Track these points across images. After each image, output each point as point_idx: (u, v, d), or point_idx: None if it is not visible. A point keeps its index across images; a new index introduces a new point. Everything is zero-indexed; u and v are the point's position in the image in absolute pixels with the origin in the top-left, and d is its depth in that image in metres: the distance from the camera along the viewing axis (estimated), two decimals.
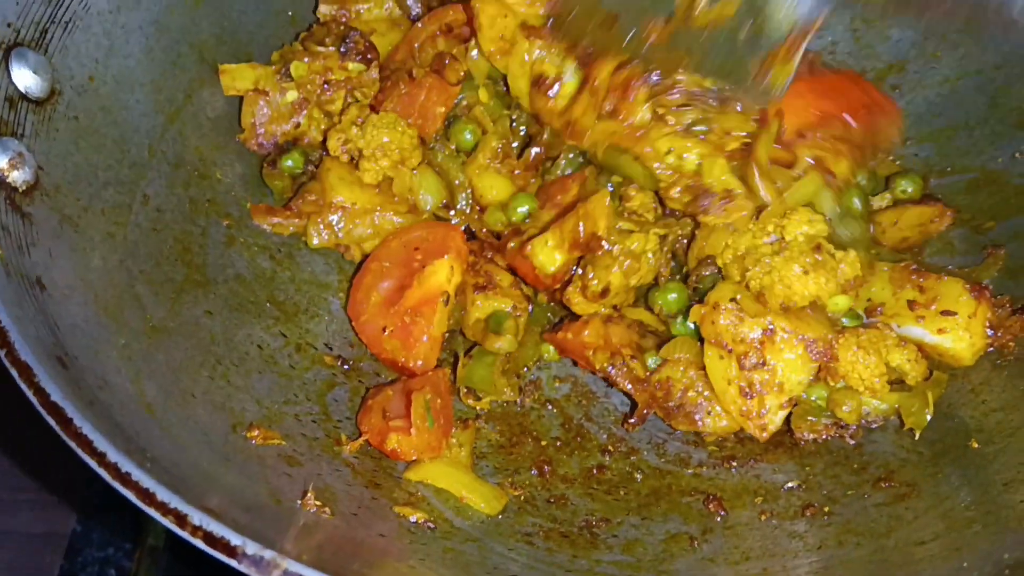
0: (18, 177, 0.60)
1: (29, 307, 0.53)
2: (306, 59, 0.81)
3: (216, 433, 0.59)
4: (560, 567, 0.58)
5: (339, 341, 0.74)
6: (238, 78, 0.81)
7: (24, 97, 0.63)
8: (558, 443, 0.70)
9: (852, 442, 0.66)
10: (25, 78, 0.64)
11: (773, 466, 0.67)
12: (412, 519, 0.60)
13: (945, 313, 0.65)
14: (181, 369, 0.62)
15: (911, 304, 0.66)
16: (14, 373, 0.47)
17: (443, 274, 0.73)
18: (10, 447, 0.95)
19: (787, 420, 0.65)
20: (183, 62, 0.78)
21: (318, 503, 0.56)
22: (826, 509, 0.62)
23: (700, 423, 0.65)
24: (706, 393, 0.65)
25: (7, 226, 0.57)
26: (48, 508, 0.92)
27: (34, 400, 0.46)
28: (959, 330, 0.65)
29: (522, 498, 0.65)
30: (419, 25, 0.85)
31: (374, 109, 0.80)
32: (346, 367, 0.73)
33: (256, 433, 0.61)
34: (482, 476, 0.66)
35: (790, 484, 0.65)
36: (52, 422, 0.46)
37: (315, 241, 0.76)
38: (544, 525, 0.63)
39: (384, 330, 0.72)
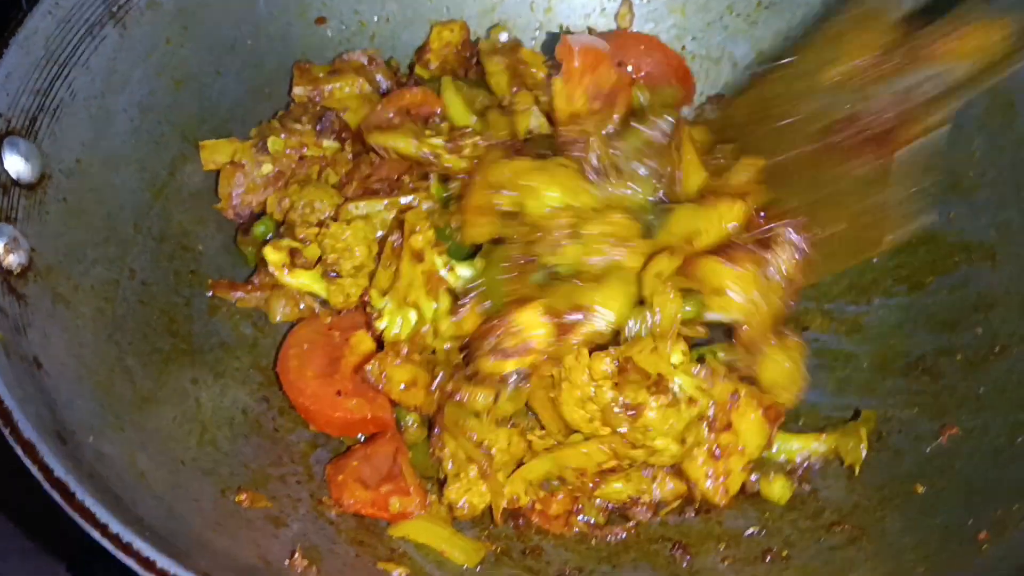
0: (13, 261, 0.63)
1: (29, 386, 0.56)
2: (283, 135, 0.84)
3: (206, 498, 0.61)
4: None
5: None
6: (217, 152, 0.84)
7: (15, 183, 0.66)
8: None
9: (807, 488, 0.70)
10: (16, 164, 0.67)
11: (734, 512, 0.70)
12: (395, 574, 0.62)
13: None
14: (170, 438, 0.65)
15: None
16: (19, 451, 0.50)
17: (367, 342, 0.75)
18: None
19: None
20: (166, 141, 0.81)
21: (305, 562, 0.59)
22: (784, 553, 0.65)
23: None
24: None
25: (4, 308, 0.59)
26: (37, 557, 0.91)
27: (39, 476, 0.49)
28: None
29: (498, 550, 0.68)
30: (378, 107, 0.88)
31: (344, 186, 0.84)
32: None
33: (244, 496, 0.64)
34: (460, 529, 0.69)
35: (751, 530, 0.69)
36: (56, 496, 0.48)
37: (277, 317, 0.78)
38: None
39: (339, 394, 0.73)
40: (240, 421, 0.71)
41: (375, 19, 0.95)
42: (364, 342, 0.75)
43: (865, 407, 0.74)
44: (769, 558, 0.66)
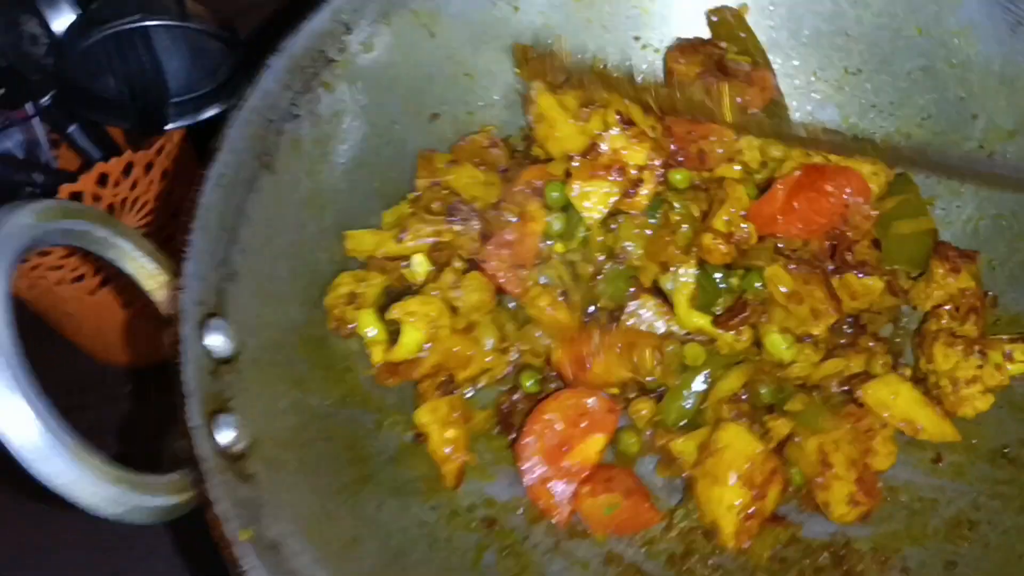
0: (238, 445, 0.72)
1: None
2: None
3: None
4: None
5: (476, 499, 0.88)
6: (362, 242, 0.91)
7: (220, 362, 0.75)
8: None
9: None
10: (217, 343, 0.75)
11: None
12: None
13: None
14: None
15: None
16: None
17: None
18: None
19: None
20: (320, 268, 0.89)
21: None
22: None
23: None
24: None
25: (243, 500, 0.69)
26: None
27: None
28: None
29: None
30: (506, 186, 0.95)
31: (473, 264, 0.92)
32: (490, 527, 0.86)
33: None
34: None
35: None
36: None
37: None
38: None
39: None
40: (420, 537, 0.82)
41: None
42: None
43: (956, 492, 0.84)
44: None
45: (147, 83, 1.01)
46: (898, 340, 0.92)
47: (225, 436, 0.71)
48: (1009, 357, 0.84)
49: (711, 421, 0.87)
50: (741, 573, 0.83)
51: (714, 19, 0.98)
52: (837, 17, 0.96)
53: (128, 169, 1.01)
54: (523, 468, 0.87)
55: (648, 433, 0.90)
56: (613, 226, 0.90)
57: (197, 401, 0.69)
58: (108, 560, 1.02)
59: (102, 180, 1.00)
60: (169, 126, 1.02)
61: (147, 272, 0.74)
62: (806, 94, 1.01)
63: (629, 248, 0.89)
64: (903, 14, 0.93)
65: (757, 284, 0.86)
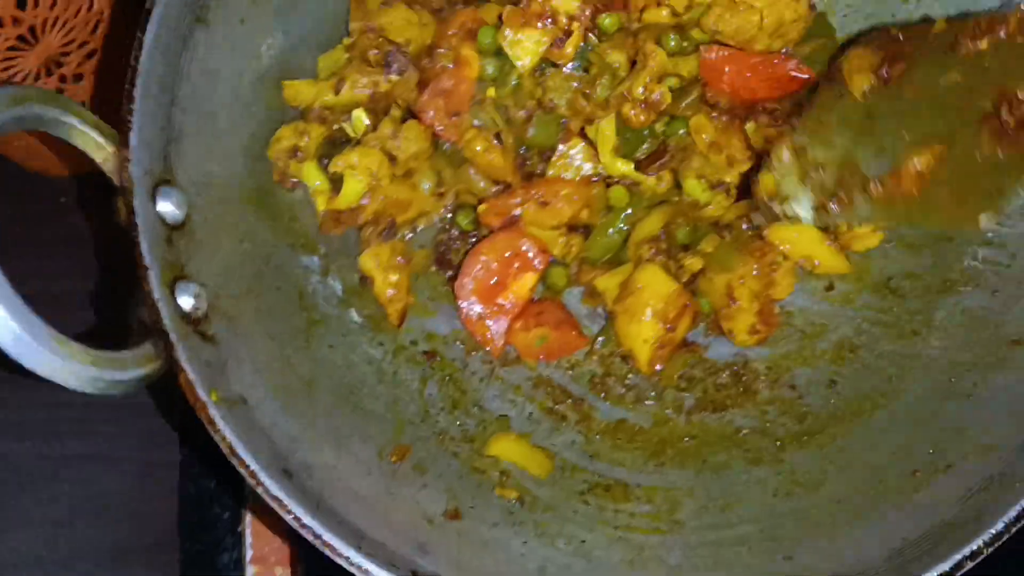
0: (196, 308, 0.77)
1: (251, 431, 0.74)
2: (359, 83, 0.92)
3: (375, 469, 0.83)
4: (609, 524, 0.87)
5: (417, 335, 0.96)
6: (300, 92, 0.93)
7: (173, 228, 0.79)
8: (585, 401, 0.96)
9: (794, 393, 0.94)
10: (168, 210, 0.79)
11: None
12: (511, 500, 0.87)
13: None
14: (334, 416, 0.85)
15: None
16: (275, 507, 0.70)
17: None
18: None
19: None
20: (258, 115, 0.91)
21: (450, 510, 0.83)
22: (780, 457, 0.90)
23: None
24: None
25: (209, 361, 0.76)
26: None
27: (294, 524, 0.70)
28: None
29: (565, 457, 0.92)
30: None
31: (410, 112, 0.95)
32: (432, 359, 0.95)
33: (393, 453, 0.86)
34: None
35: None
36: (309, 537, 0.70)
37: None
38: (590, 480, 0.91)
39: None
40: (370, 374, 0.91)
41: None
42: None
43: (843, 319, 0.95)
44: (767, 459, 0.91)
45: None
46: None
47: (186, 302, 0.76)
48: None
49: (632, 258, 0.95)
50: (653, 391, 0.95)
51: None
52: None
53: None
54: (461, 305, 0.94)
55: (574, 267, 0.98)
56: (542, 76, 0.93)
57: (156, 273, 0.73)
58: None
59: (21, 4, 0.97)
60: None
61: (95, 144, 0.76)
62: None
63: (555, 100, 0.92)
64: None
65: (681, 131, 0.92)
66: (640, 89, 0.89)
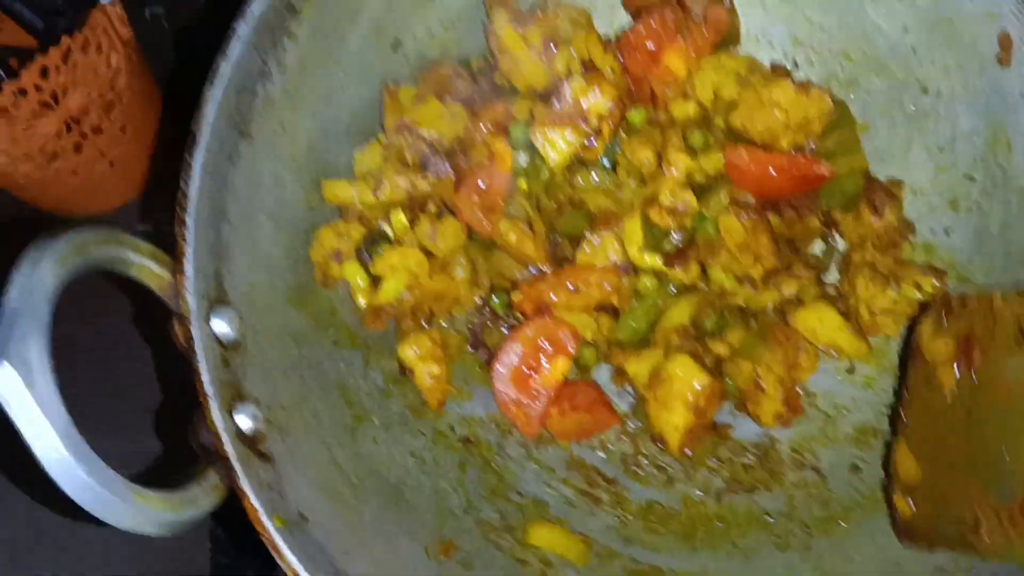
0: (253, 427, 0.79)
1: (311, 548, 0.77)
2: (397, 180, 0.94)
3: (424, 570, 0.86)
4: None
5: (454, 420, 0.99)
6: (339, 191, 0.94)
7: (229, 348, 0.80)
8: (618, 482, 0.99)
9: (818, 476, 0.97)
10: (223, 330, 0.80)
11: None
12: None
13: None
14: (383, 516, 0.87)
15: None
16: None
17: None
18: None
19: None
20: (300, 210, 0.92)
21: None
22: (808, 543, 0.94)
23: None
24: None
25: (269, 483, 0.78)
26: None
27: None
28: None
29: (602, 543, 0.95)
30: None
31: (446, 206, 0.96)
32: (469, 444, 0.98)
33: (440, 550, 0.89)
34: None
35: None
36: None
37: None
38: (627, 566, 0.94)
39: None
40: (413, 467, 0.93)
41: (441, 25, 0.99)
42: None
43: (865, 402, 0.99)
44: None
45: None
46: (825, 257, 1.02)
47: (244, 423, 0.78)
48: (919, 287, 0.95)
49: (661, 343, 0.97)
50: (683, 473, 0.98)
51: None
52: None
53: (67, 55, 1.00)
54: (497, 390, 0.97)
55: (603, 347, 1.00)
56: (572, 173, 0.95)
57: (216, 401, 0.75)
58: None
59: (44, 73, 1.00)
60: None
61: (150, 273, 0.77)
62: (759, 10, 1.02)
63: (584, 198, 0.94)
64: None
65: (709, 228, 0.94)
66: (666, 196, 0.91)
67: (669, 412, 0.94)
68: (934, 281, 0.93)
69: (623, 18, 1.02)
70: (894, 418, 0.92)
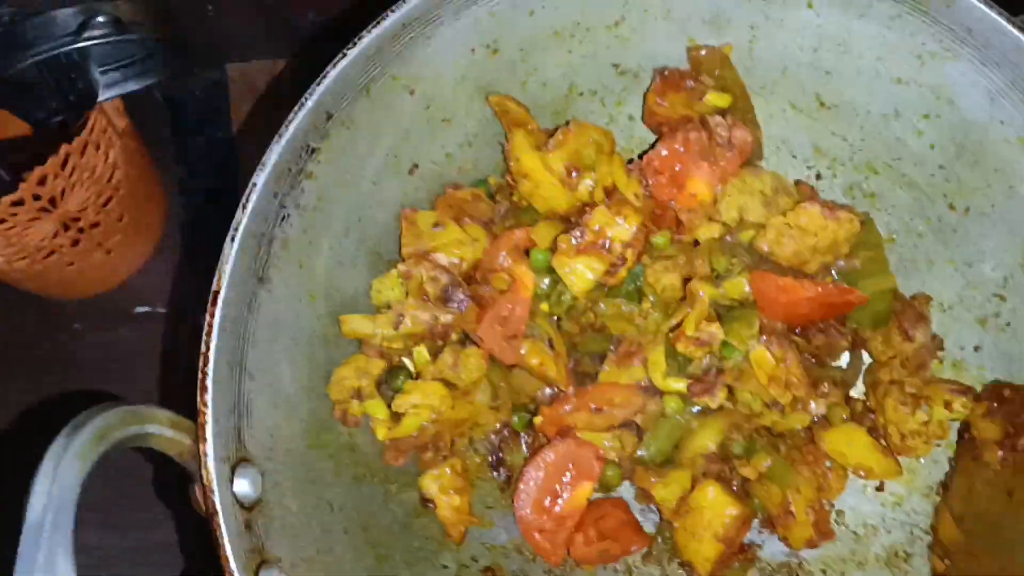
0: None
1: None
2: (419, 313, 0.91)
3: None
4: None
5: (477, 551, 0.96)
6: (357, 325, 0.92)
7: (251, 508, 0.77)
8: None
9: None
10: (245, 489, 0.78)
11: None
12: None
13: None
14: None
15: None
16: None
17: None
18: None
19: None
20: (317, 355, 0.89)
21: None
22: None
23: None
24: None
25: None
26: None
27: None
28: None
29: None
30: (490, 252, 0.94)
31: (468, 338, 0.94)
32: (492, 574, 0.95)
33: None
34: None
35: None
36: None
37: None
38: None
39: None
40: None
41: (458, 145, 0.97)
42: None
43: (895, 523, 0.97)
44: None
45: (72, 66, 0.96)
46: (851, 370, 1.00)
47: None
48: (949, 407, 0.93)
49: (687, 465, 0.95)
50: None
51: (700, 53, 0.95)
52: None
53: (65, 161, 0.99)
54: (520, 516, 0.94)
55: (627, 466, 0.98)
56: (594, 299, 0.92)
57: (240, 569, 0.73)
58: None
59: (42, 180, 0.98)
60: (100, 98, 1.00)
61: (170, 441, 0.74)
62: (780, 121, 1.00)
63: (607, 325, 0.92)
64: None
65: (737, 356, 0.91)
66: (692, 328, 0.88)
67: (699, 543, 0.92)
68: (966, 401, 0.91)
69: (642, 130, 1.00)
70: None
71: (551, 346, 0.94)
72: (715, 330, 0.88)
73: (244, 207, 0.77)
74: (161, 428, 0.73)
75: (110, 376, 1.11)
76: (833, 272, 0.94)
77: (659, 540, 0.97)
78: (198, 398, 0.74)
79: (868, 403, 0.98)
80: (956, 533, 0.89)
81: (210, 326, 0.75)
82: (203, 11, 1.17)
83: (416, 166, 0.94)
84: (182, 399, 0.74)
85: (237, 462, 0.76)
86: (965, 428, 0.89)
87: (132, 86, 1.06)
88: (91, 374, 1.13)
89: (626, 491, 1.00)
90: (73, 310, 1.19)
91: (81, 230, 1.11)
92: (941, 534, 0.91)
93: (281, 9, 1.19)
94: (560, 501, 0.95)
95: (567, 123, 0.94)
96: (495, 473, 0.98)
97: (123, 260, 1.20)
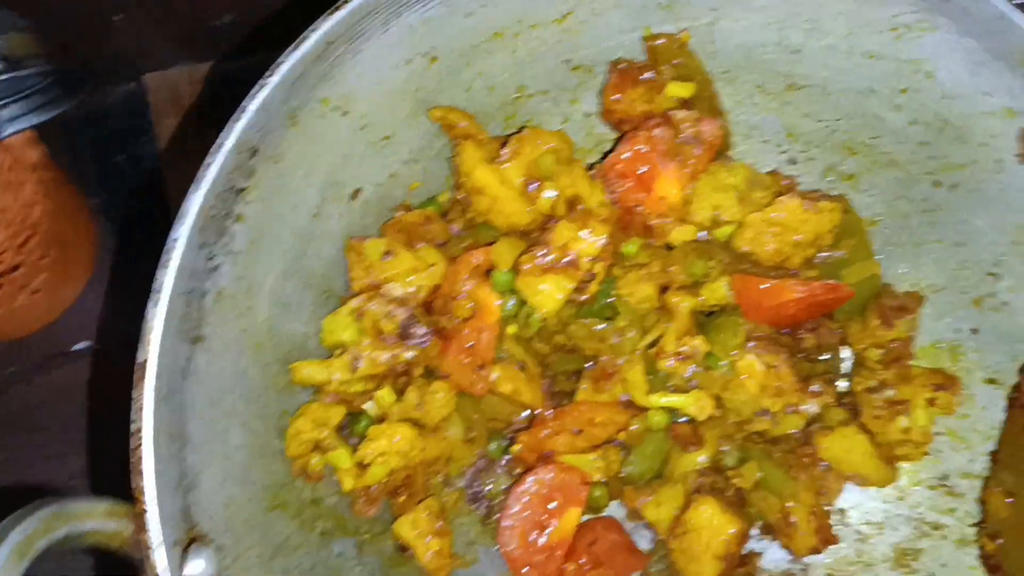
0: None
1: None
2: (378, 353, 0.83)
3: None
4: None
5: None
6: (314, 372, 0.84)
7: None
8: None
9: None
10: (198, 569, 0.70)
11: None
12: None
13: None
14: None
15: None
16: None
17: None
18: None
19: None
20: (267, 398, 0.81)
21: None
22: None
23: None
24: None
25: None
26: None
27: None
28: None
29: None
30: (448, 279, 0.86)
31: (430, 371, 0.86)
32: None
33: None
34: None
35: None
36: None
37: None
38: None
39: None
40: None
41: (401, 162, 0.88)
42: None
43: (900, 518, 0.91)
44: None
45: None
46: (841, 363, 0.93)
47: None
48: (933, 403, 0.86)
49: (678, 479, 0.88)
50: None
51: (657, 42, 0.86)
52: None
53: None
54: (505, 554, 0.88)
55: (614, 485, 0.91)
56: (563, 319, 0.85)
57: None
58: None
59: None
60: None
61: (110, 535, 0.67)
62: (748, 107, 0.92)
63: (580, 346, 0.85)
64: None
65: (722, 364, 0.85)
66: (673, 345, 0.81)
67: (699, 565, 0.86)
68: (952, 396, 0.85)
69: (602, 127, 0.92)
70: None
71: (522, 366, 0.87)
72: (698, 343, 0.81)
73: (166, 266, 0.69)
74: (96, 522, 0.66)
75: (41, 422, 1.02)
76: (814, 263, 0.87)
77: (656, 561, 0.91)
78: (132, 483, 0.66)
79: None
80: (1008, 509, 0.81)
81: (139, 404, 0.67)
82: (110, 22, 1.06)
83: (359, 191, 0.86)
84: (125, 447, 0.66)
85: (189, 543, 0.69)
86: (1016, 392, 0.81)
87: (35, 119, 0.97)
88: (22, 423, 1.04)
89: (616, 510, 0.93)
90: (3, 352, 1.10)
91: (0, 275, 1.02)
92: (990, 511, 0.83)
93: (195, 11, 1.08)
94: (547, 532, 0.88)
95: (520, 129, 0.85)
96: (474, 506, 0.91)
97: (53, 298, 1.11)
